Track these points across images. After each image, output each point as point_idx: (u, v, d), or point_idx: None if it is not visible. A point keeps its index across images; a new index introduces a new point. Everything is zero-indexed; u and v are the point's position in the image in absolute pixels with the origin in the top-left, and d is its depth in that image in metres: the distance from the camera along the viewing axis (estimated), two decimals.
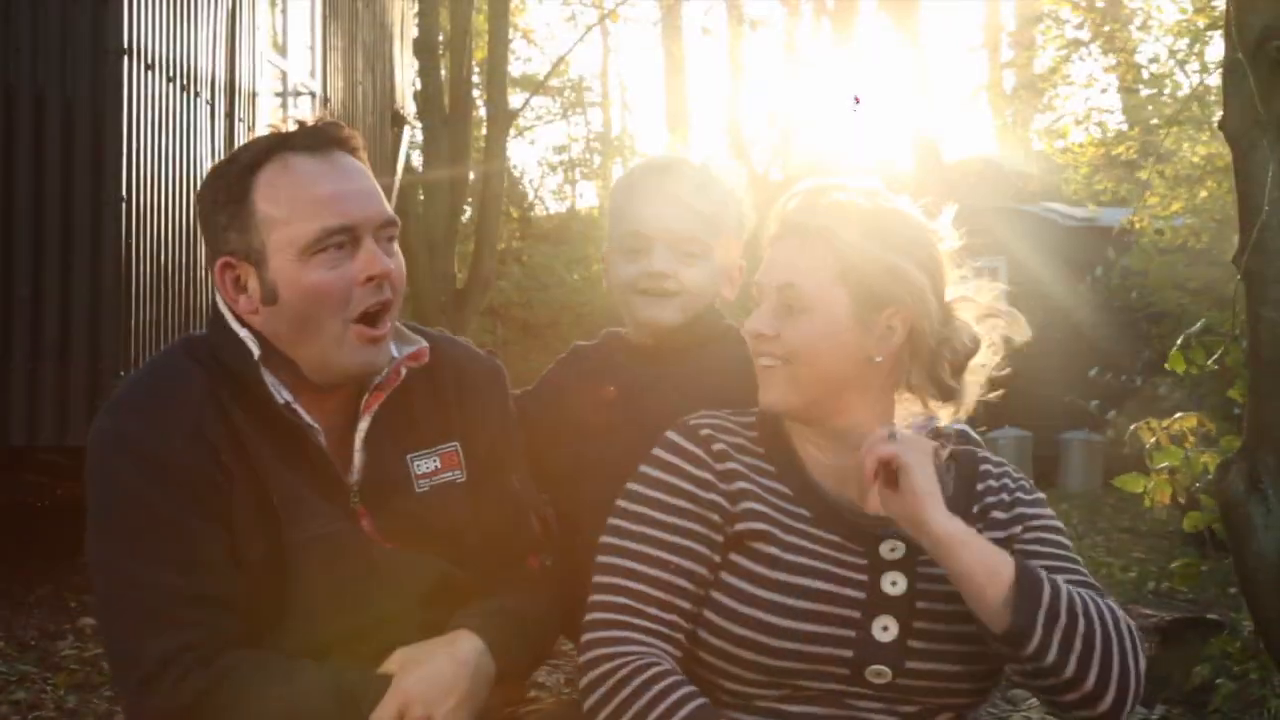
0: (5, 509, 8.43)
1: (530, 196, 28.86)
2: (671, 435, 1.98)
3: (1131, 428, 5.09)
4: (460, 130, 15.85)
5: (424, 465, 2.00)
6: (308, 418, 1.90)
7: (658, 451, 1.96)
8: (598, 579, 1.91)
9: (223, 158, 2.02)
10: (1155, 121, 15.01)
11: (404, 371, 1.98)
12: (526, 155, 37.97)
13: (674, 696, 1.78)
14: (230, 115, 7.85)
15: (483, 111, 17.52)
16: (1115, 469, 5.90)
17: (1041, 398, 14.14)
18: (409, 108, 13.44)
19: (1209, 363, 4.43)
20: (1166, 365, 4.59)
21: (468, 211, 18.70)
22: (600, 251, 2.40)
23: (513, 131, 24.16)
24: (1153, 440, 4.89)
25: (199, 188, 1.97)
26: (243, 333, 1.91)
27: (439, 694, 1.86)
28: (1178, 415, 4.74)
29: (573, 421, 2.28)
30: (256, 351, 1.89)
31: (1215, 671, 4.62)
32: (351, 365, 1.90)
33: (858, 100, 18.14)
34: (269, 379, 1.89)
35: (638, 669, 1.81)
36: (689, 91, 28.84)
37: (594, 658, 1.85)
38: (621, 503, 1.95)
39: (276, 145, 1.89)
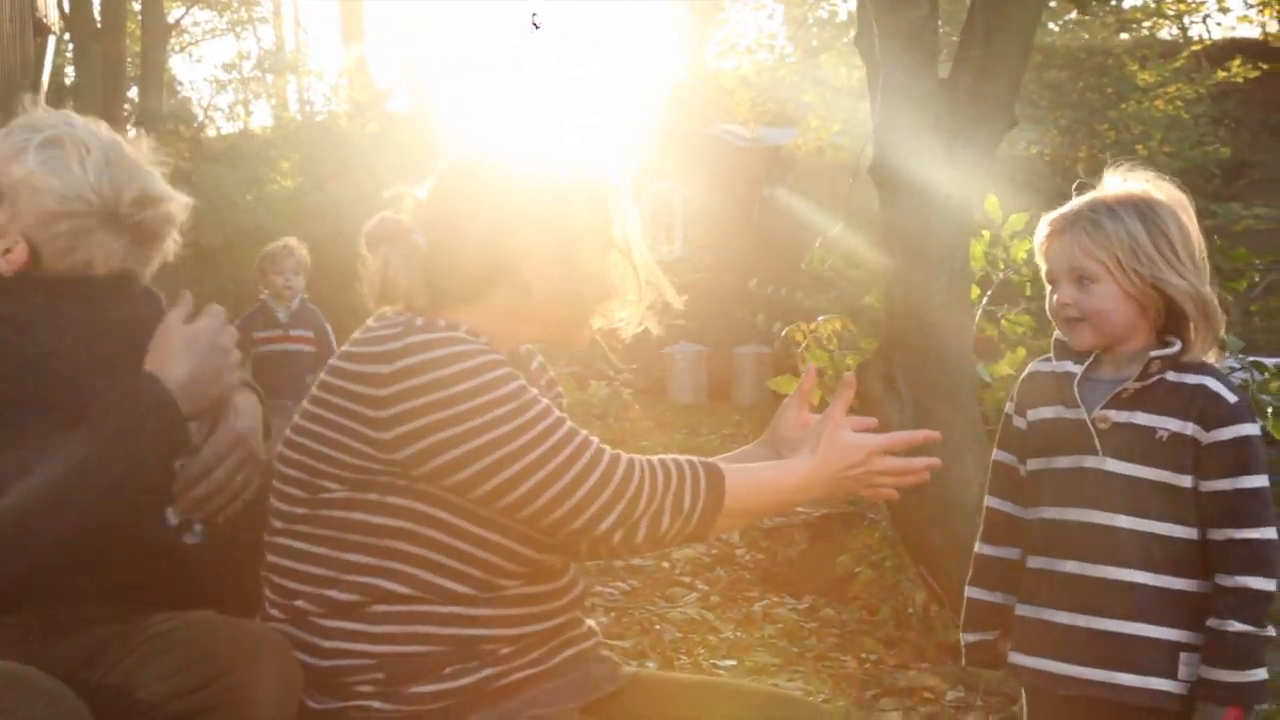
0: None
1: (200, 116, 27.55)
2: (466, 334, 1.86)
3: (784, 332, 5.29)
4: (113, 42, 14.90)
5: None
6: None
7: (467, 347, 1.81)
8: (536, 451, 1.81)
9: None
10: (816, 44, 15.59)
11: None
12: (195, 73, 36.21)
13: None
14: None
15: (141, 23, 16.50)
16: None
17: (716, 314, 14.56)
18: (52, 16, 12.50)
19: (827, 265, 4.64)
20: (802, 265, 4.78)
21: (130, 132, 17.61)
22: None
23: (175, 46, 22.94)
24: (803, 344, 5.10)
25: None
26: None
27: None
28: (822, 318, 4.95)
29: None
30: None
31: (856, 561, 4.90)
32: None
33: (536, 20, 18.01)
34: None
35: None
36: (365, 8, 28.00)
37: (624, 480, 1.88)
38: (490, 414, 1.79)
39: None
